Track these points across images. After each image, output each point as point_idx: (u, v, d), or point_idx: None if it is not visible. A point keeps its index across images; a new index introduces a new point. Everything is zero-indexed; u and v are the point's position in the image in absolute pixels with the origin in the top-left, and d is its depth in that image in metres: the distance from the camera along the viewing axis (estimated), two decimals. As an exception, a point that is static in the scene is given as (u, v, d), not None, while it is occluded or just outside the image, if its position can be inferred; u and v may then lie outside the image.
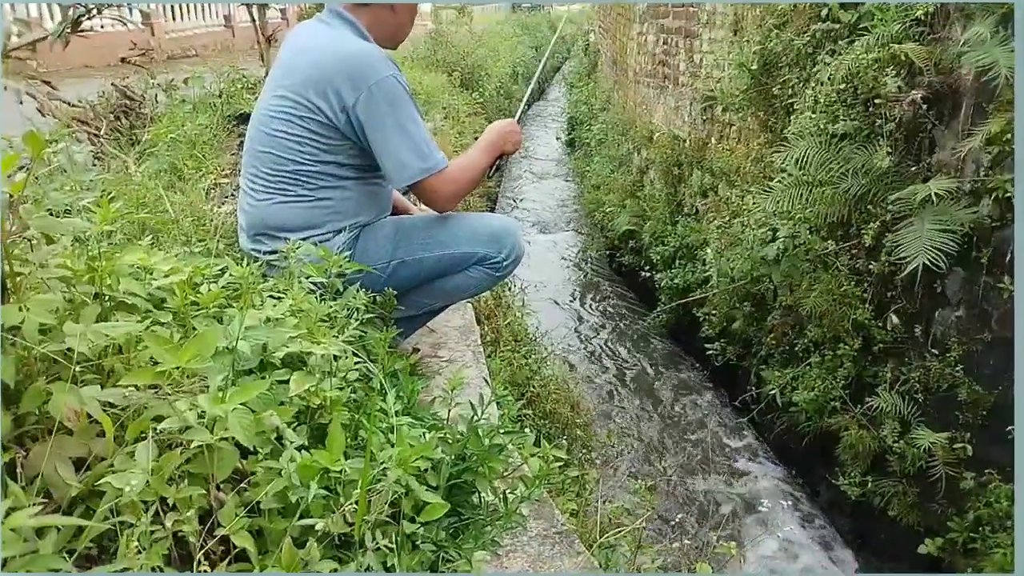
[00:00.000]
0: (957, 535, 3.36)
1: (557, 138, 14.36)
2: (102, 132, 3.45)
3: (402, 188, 2.21)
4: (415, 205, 2.58)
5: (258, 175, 2.03)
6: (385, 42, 2.13)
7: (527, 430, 1.43)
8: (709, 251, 5.40)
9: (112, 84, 4.24)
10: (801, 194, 4.03)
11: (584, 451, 3.74)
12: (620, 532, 1.91)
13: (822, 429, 4.19)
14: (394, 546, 1.10)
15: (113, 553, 0.98)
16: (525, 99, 2.63)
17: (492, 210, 9.09)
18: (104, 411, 1.02)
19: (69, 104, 3.54)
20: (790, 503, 4.49)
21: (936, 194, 3.29)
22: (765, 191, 4.29)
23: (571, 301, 7.73)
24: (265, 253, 2.01)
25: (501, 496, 1.32)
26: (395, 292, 2.03)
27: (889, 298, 3.89)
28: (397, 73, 1.97)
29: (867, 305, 3.90)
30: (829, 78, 3.86)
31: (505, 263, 2.16)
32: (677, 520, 4.28)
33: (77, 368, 1.04)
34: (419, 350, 2.40)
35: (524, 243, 2.24)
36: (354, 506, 1.06)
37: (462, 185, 2.08)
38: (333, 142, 1.97)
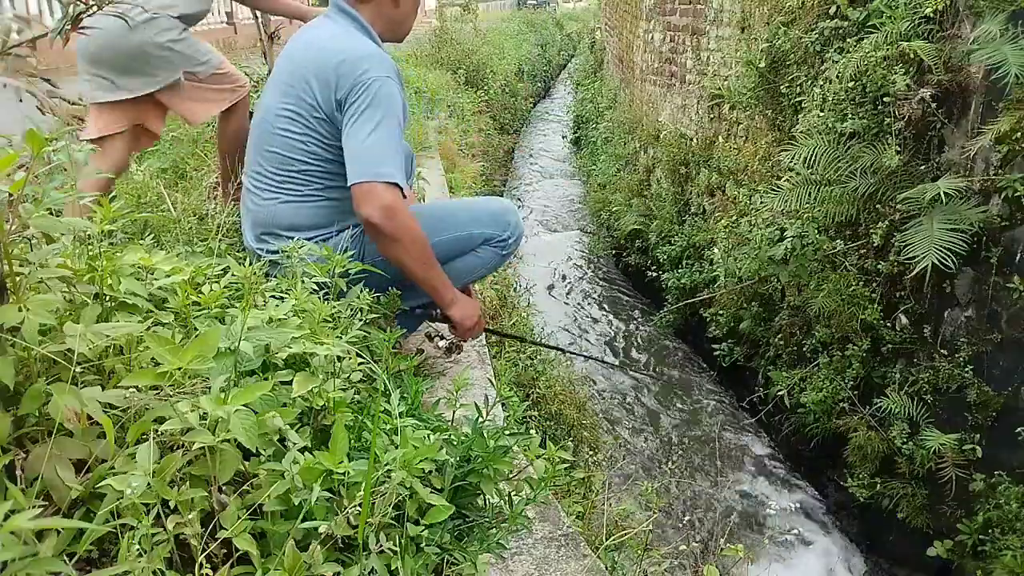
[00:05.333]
0: (966, 537, 3.33)
1: (563, 136, 14.34)
2: (104, 130, 3.45)
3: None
4: None
5: (263, 174, 2.02)
6: (389, 35, 2.12)
7: (533, 431, 1.41)
8: (716, 251, 5.37)
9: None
10: (809, 193, 4.01)
11: (590, 452, 3.73)
12: (626, 535, 1.90)
13: (830, 430, 4.17)
14: (398, 549, 1.09)
15: (114, 556, 0.97)
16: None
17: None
18: (105, 412, 1.01)
19: (70, 102, 3.54)
20: (798, 505, 4.47)
21: (945, 193, 3.27)
22: (773, 190, 4.27)
23: (576, 301, 7.71)
24: (270, 252, 2.00)
25: (506, 498, 1.31)
26: (404, 286, 2.01)
27: (898, 298, 3.86)
28: (398, 83, 1.94)
29: (876, 305, 3.87)
30: (838, 76, 3.83)
31: (510, 241, 2.24)
32: (684, 522, 4.26)
33: (77, 369, 1.03)
34: (423, 351, 2.39)
35: (523, 222, 2.31)
36: (358, 508, 1.05)
37: (403, 219, 1.85)
38: (338, 140, 1.96)
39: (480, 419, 1.33)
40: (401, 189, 1.87)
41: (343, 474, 1.09)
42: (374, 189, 1.82)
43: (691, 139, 6.66)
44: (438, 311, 2.10)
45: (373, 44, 2.01)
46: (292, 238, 1.89)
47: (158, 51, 2.51)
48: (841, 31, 4.07)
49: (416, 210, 2.22)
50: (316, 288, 1.55)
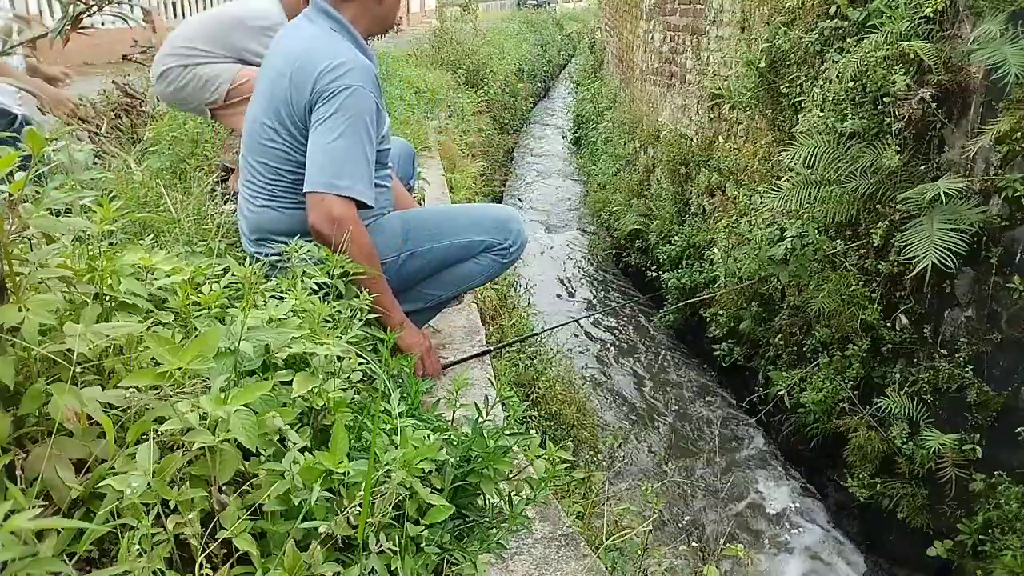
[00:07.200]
0: (966, 537, 3.33)
1: (563, 136, 14.33)
2: (103, 130, 3.47)
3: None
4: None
5: (256, 182, 2.02)
6: (374, 30, 2.09)
7: (532, 431, 1.41)
8: (716, 251, 5.37)
9: (113, 82, 4.25)
10: (809, 193, 4.01)
11: (590, 452, 3.73)
12: (626, 535, 1.90)
13: (830, 430, 4.17)
14: (398, 549, 1.09)
15: (114, 556, 0.97)
16: None
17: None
18: (105, 412, 1.01)
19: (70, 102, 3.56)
20: (798, 505, 4.47)
21: (945, 193, 3.27)
22: (773, 190, 4.27)
23: (576, 301, 7.71)
24: (268, 255, 2.00)
25: (506, 498, 1.31)
26: (395, 292, 2.01)
27: (898, 298, 3.86)
28: (372, 91, 1.90)
29: (876, 305, 3.87)
30: (838, 76, 3.83)
31: (511, 249, 2.21)
32: (684, 522, 4.26)
33: (77, 369, 1.03)
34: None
35: (527, 230, 2.27)
36: (357, 508, 1.05)
37: (348, 232, 1.80)
38: None
39: (480, 419, 1.32)
40: (359, 202, 1.84)
41: (343, 474, 1.09)
42: (326, 199, 1.82)
43: (691, 139, 6.66)
44: None
45: (351, 47, 1.95)
46: (287, 243, 1.89)
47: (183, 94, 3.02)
48: (841, 31, 4.06)
49: (417, 214, 2.22)
50: (315, 288, 1.55)
